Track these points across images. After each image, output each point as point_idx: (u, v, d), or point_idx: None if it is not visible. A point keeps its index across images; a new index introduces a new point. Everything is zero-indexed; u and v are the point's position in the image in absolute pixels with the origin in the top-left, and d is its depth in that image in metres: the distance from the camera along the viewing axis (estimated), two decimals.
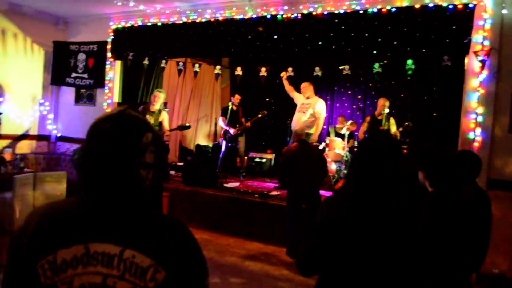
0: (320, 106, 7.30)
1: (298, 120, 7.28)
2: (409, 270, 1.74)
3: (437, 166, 2.52)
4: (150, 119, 6.80)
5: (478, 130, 5.27)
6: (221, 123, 8.71)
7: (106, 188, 1.20)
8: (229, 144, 8.49)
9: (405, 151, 7.53)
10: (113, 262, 1.13)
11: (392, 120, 7.26)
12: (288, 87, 7.68)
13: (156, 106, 6.90)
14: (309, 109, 7.25)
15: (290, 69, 6.91)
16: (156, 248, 1.16)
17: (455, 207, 2.48)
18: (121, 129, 1.21)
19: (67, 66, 8.83)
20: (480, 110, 5.27)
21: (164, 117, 7.03)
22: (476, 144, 5.25)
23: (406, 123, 6.95)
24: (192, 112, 10.91)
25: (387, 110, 7.14)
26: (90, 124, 1.25)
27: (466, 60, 5.51)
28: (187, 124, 7.47)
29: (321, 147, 7.95)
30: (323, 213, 1.86)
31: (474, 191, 2.93)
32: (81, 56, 8.75)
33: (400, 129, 6.96)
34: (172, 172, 8.74)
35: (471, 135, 5.31)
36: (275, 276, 5.08)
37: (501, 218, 4.95)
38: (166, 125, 7.04)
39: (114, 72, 8.45)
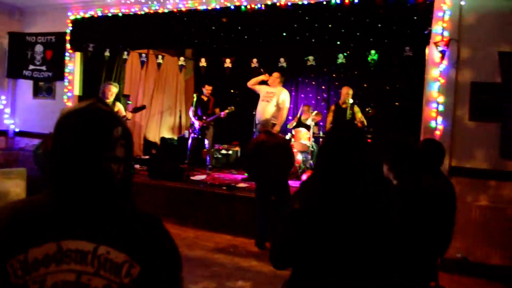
0: (284, 96, 7.30)
1: (263, 109, 7.26)
2: (381, 258, 1.76)
3: (400, 158, 2.56)
4: None
5: (440, 119, 5.42)
6: (191, 114, 8.60)
7: (77, 184, 1.17)
8: (196, 136, 8.40)
9: (369, 140, 7.70)
10: (87, 259, 1.11)
11: (356, 108, 7.38)
12: (256, 83, 7.60)
13: (111, 98, 6.90)
14: (273, 98, 7.25)
15: (255, 60, 6.87)
16: (131, 244, 1.14)
17: (419, 196, 2.53)
18: (91, 123, 1.18)
19: (24, 58, 8.48)
20: (441, 99, 5.42)
21: (119, 107, 7.13)
22: (437, 133, 5.40)
23: (367, 109, 7.13)
24: (156, 104, 10.73)
25: (351, 100, 7.26)
26: (58, 117, 1.21)
27: (427, 51, 5.64)
28: (142, 105, 7.58)
29: (287, 137, 8.00)
30: (293, 205, 1.86)
31: (438, 180, 3.01)
32: (39, 48, 8.42)
33: (362, 116, 7.13)
34: (137, 166, 8.59)
35: (432, 124, 5.46)
36: (245, 268, 5.10)
37: (462, 204, 5.13)
38: (123, 113, 7.09)
39: (74, 64, 8.19)
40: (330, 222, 1.74)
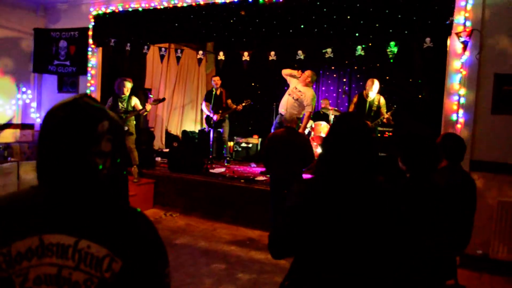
0: (312, 100, 7.04)
1: (286, 103, 7.11)
2: (386, 250, 1.73)
3: (413, 151, 2.50)
4: (122, 106, 6.99)
5: (461, 112, 5.28)
6: (204, 108, 8.67)
7: (60, 177, 1.18)
8: (213, 129, 8.47)
9: (390, 133, 7.52)
10: (68, 253, 1.12)
11: (382, 101, 6.88)
12: (289, 75, 7.37)
13: (126, 94, 7.03)
14: (301, 97, 7.02)
15: (273, 53, 6.83)
16: (112, 238, 1.14)
17: (432, 191, 2.46)
18: (75, 117, 1.18)
19: (49, 54, 8.67)
20: (463, 91, 5.27)
21: (136, 101, 7.17)
22: (459, 126, 5.26)
23: (393, 107, 6.74)
24: (177, 98, 10.83)
25: (374, 93, 6.84)
26: (46, 112, 1.22)
27: (448, 42, 5.48)
28: (162, 98, 7.66)
29: (306, 131, 7.94)
30: (293, 195, 1.85)
31: (457, 175, 2.93)
32: (63, 43, 8.60)
33: (389, 112, 6.71)
34: (158, 159, 8.71)
35: (454, 117, 5.32)
36: (260, 260, 5.12)
37: (483, 199, 5.00)
38: (140, 106, 7.14)
39: (96, 58, 8.33)
40: (331, 212, 1.72)
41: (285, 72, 7.38)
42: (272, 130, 7.13)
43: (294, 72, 7.27)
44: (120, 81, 7.01)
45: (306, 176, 6.11)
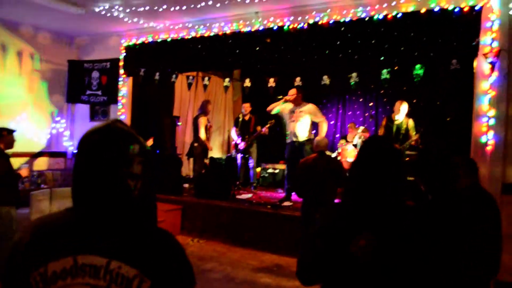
0: (315, 110, 7.08)
1: (295, 130, 7.07)
2: (416, 278, 1.68)
3: (430, 174, 2.46)
4: None
5: (491, 133, 5.17)
6: (233, 134, 8.76)
7: (93, 198, 1.22)
8: (242, 155, 8.51)
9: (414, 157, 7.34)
10: (100, 273, 1.16)
11: (411, 124, 6.73)
12: (275, 107, 7.35)
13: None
14: (304, 116, 7.01)
15: (298, 78, 6.89)
16: (141, 259, 1.18)
17: (453, 212, 2.41)
18: (108, 140, 1.24)
19: (81, 84, 9.02)
20: (492, 113, 5.17)
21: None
22: (489, 148, 5.15)
23: (421, 130, 6.61)
24: None
25: (403, 115, 6.72)
26: (81, 136, 1.28)
27: (475, 63, 5.42)
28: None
29: (333, 155, 7.89)
30: (322, 218, 1.84)
31: (477, 194, 2.85)
32: (95, 74, 8.93)
33: (417, 135, 6.56)
34: (186, 185, 8.78)
35: (483, 139, 5.21)
36: None
37: None
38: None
39: (127, 88, 8.59)
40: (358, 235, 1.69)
41: (272, 107, 7.35)
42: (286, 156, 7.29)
43: (279, 102, 7.25)
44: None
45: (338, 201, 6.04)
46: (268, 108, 7.41)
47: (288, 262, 5.95)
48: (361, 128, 8.02)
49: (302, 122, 7.07)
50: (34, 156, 8.65)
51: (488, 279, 2.91)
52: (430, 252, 1.72)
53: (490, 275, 2.94)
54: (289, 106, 7.20)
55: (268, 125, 8.11)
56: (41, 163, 8.75)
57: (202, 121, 8.15)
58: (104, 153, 1.22)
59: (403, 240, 1.69)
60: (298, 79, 6.89)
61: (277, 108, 7.31)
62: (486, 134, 5.19)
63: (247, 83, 7.40)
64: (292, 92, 7.05)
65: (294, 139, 7.11)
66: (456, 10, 5.35)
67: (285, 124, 7.47)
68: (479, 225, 2.58)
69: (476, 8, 5.27)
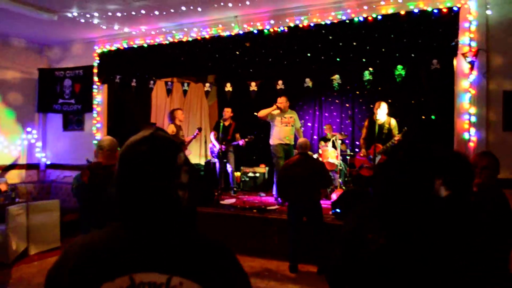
0: (297, 116, 7.74)
1: (285, 133, 7.44)
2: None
3: (455, 171, 2.46)
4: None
5: (473, 130, 5.33)
6: (212, 138, 8.68)
7: (145, 213, 1.15)
8: (219, 160, 8.45)
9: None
10: None
11: (394, 123, 6.85)
12: (268, 113, 7.57)
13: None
14: (294, 121, 7.51)
15: (280, 82, 6.91)
16: (203, 273, 1.12)
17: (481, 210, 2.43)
18: (157, 150, 1.17)
19: (53, 93, 8.72)
20: (473, 110, 5.33)
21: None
22: (471, 144, 5.30)
23: (404, 129, 6.70)
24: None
25: (383, 115, 6.83)
26: (123, 148, 1.21)
27: (455, 62, 5.58)
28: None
29: (314, 156, 7.94)
30: (349, 224, 1.82)
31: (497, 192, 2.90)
32: (67, 82, 8.65)
33: (400, 134, 6.61)
34: None
35: (466, 136, 5.37)
36: None
37: None
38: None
39: (101, 96, 8.37)
40: (387, 242, 1.68)
41: (263, 113, 7.54)
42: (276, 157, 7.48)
43: (271, 108, 7.47)
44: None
45: (324, 202, 6.08)
46: (260, 115, 7.57)
47: (278, 266, 5.92)
48: (337, 134, 8.20)
49: (293, 127, 7.48)
50: (6, 169, 8.30)
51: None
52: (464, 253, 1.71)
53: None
54: (277, 111, 7.48)
55: (247, 140, 8.11)
56: (13, 176, 8.39)
57: (169, 129, 8.00)
58: (155, 165, 1.15)
59: (419, 240, 1.69)
60: (280, 82, 6.92)
61: (268, 115, 7.54)
62: (469, 131, 5.34)
63: (228, 87, 7.36)
64: (283, 100, 7.36)
65: (287, 142, 7.42)
66: (435, 11, 5.49)
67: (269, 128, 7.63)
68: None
69: (454, 9, 5.43)
